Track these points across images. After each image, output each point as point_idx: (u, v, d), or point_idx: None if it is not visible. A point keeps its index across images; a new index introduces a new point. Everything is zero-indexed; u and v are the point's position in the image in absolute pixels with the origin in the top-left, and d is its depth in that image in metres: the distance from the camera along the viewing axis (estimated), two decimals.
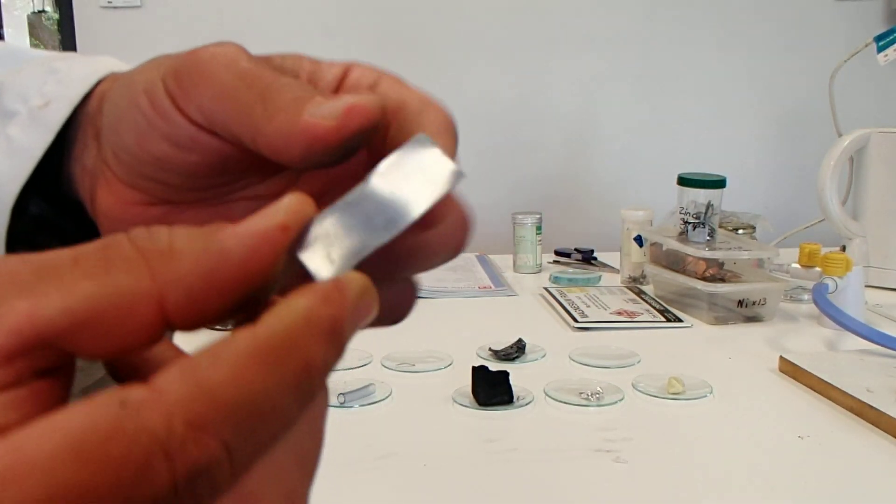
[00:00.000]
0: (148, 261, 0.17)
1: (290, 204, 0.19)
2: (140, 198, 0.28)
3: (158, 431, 0.15)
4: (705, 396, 0.84)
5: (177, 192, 0.27)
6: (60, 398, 0.18)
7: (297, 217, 0.19)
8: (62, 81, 0.30)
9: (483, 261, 1.45)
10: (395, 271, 0.24)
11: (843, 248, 1.30)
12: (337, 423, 0.79)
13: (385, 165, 0.21)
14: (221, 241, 0.18)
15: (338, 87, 0.27)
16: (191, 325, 0.18)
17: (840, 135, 1.33)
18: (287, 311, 0.17)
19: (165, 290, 0.17)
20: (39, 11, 2.31)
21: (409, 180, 0.21)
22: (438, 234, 0.24)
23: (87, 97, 0.30)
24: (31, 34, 2.35)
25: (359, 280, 0.19)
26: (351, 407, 0.82)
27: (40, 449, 0.14)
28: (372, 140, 0.24)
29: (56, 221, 0.32)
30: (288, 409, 0.17)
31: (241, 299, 0.18)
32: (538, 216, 1.40)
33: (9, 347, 0.16)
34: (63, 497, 0.14)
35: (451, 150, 0.24)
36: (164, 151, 0.26)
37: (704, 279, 1.12)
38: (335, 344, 0.18)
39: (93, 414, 0.15)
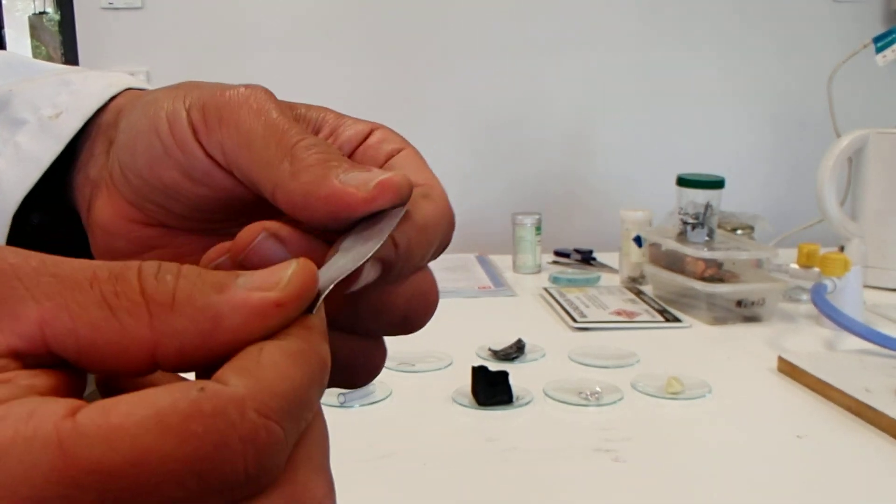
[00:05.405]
0: (150, 309, 0.18)
1: (292, 279, 0.20)
2: (139, 216, 0.28)
3: (233, 416, 0.16)
4: (704, 396, 0.85)
5: (176, 219, 0.28)
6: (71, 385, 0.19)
7: (294, 292, 0.20)
8: (75, 93, 0.31)
9: (483, 261, 1.46)
10: (362, 322, 0.26)
11: (842, 249, 1.30)
12: (337, 423, 0.79)
13: (355, 230, 0.24)
14: (218, 306, 0.19)
15: (358, 146, 0.28)
16: (177, 371, 0.20)
17: (838, 135, 1.34)
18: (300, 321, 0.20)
19: (160, 341, 0.18)
20: (40, 13, 2.31)
21: (366, 237, 0.24)
22: (400, 293, 0.25)
23: (100, 109, 0.30)
24: (32, 35, 2.35)
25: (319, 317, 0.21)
26: (351, 407, 0.82)
27: (127, 416, 0.16)
28: None
29: (55, 232, 0.32)
30: (315, 399, 0.19)
31: (228, 357, 0.19)
32: (538, 217, 1.40)
33: (14, 346, 0.18)
34: (146, 462, 0.15)
35: (438, 240, 0.25)
36: (174, 180, 0.26)
37: (703, 279, 1.12)
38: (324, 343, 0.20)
39: (174, 394, 0.16)
